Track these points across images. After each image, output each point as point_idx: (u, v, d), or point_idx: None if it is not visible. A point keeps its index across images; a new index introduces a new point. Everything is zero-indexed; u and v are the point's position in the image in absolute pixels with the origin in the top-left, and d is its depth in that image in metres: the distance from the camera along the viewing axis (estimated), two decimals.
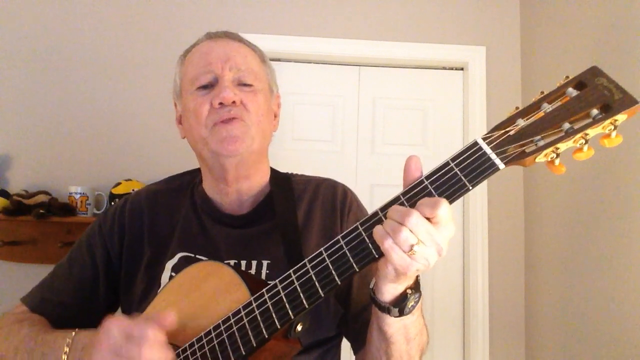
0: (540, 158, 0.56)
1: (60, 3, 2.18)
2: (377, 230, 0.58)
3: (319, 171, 2.27)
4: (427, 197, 0.58)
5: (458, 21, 2.27)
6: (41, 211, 1.85)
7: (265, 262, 0.82)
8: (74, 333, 0.71)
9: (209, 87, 0.82)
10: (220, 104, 0.79)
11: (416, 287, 0.64)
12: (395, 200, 0.61)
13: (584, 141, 0.54)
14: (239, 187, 0.86)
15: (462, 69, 2.31)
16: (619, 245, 1.51)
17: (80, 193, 1.95)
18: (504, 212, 2.16)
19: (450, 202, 0.57)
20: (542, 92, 0.58)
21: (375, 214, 0.61)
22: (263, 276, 0.81)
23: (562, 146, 0.55)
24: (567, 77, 0.57)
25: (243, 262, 0.82)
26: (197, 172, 0.94)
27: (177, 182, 0.96)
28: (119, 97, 2.16)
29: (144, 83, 2.17)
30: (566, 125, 0.54)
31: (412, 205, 0.58)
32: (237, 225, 0.86)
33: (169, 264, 0.83)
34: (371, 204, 2.39)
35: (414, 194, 0.60)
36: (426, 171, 0.60)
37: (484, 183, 2.18)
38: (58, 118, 2.13)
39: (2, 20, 2.16)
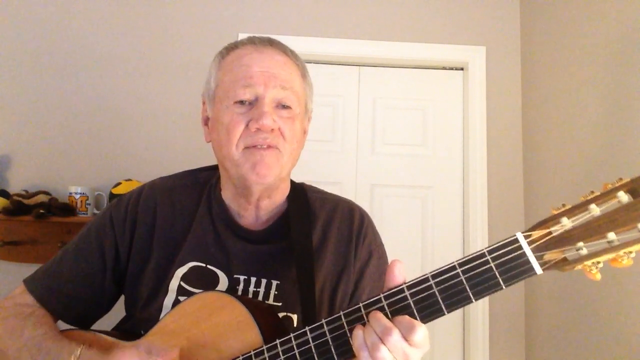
0: (579, 267, 0.55)
1: (60, 3, 2.18)
2: (357, 337, 0.59)
3: (319, 171, 2.28)
4: (457, 286, 0.57)
5: (458, 21, 2.27)
6: (41, 211, 1.85)
7: (274, 283, 0.81)
8: (79, 351, 0.72)
9: (246, 103, 0.78)
10: (258, 129, 0.76)
11: None
12: (399, 292, 0.60)
13: (626, 257, 0.53)
14: (259, 204, 0.84)
15: (462, 69, 2.31)
16: None
17: (80, 193, 1.94)
18: (503, 210, 2.16)
19: (480, 298, 0.57)
20: (592, 192, 0.55)
21: (376, 301, 0.60)
22: (271, 297, 0.80)
23: (604, 258, 0.54)
24: (621, 179, 0.54)
25: (253, 279, 0.81)
26: (215, 170, 0.91)
27: (193, 178, 0.91)
28: (119, 97, 2.16)
29: (144, 83, 2.17)
30: (612, 236, 0.53)
31: (416, 302, 0.58)
32: (252, 241, 0.84)
33: (179, 272, 0.81)
34: (371, 204, 2.40)
35: (444, 280, 0.58)
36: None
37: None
38: (58, 118, 2.13)
39: (2, 20, 2.16)
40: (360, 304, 0.61)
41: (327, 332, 0.62)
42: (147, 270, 0.83)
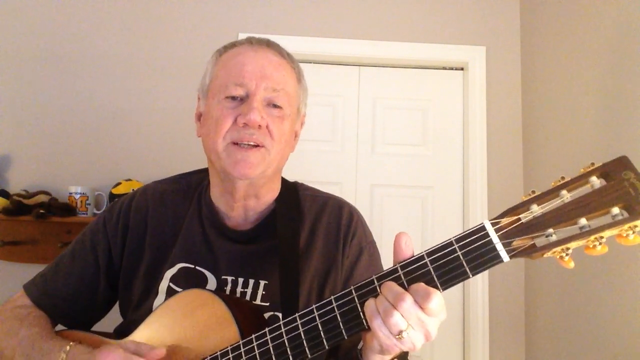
0: (548, 254, 0.53)
1: (60, 3, 2.18)
2: (369, 306, 0.57)
3: (319, 171, 2.28)
4: (424, 276, 0.56)
5: (458, 21, 2.27)
6: (41, 211, 1.85)
7: (262, 282, 0.81)
8: (68, 347, 0.73)
9: (237, 99, 0.78)
10: (245, 124, 0.76)
11: (403, 356, 0.64)
12: (392, 272, 0.58)
13: (598, 242, 0.50)
14: (246, 203, 0.84)
15: (462, 69, 2.31)
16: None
17: (80, 193, 1.94)
18: (503, 208, 2.16)
19: (448, 287, 0.56)
20: (562, 178, 0.53)
21: (371, 282, 0.59)
22: (259, 296, 0.81)
23: (574, 245, 0.51)
24: (593, 164, 0.51)
25: (240, 280, 0.82)
26: (206, 172, 0.92)
27: (184, 181, 0.93)
28: (119, 97, 2.16)
29: (144, 83, 2.17)
30: (582, 222, 0.50)
31: (410, 281, 0.57)
32: (239, 241, 0.84)
33: (168, 273, 0.82)
34: (371, 204, 2.39)
35: (412, 270, 0.57)
36: (429, 245, 0.58)
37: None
38: (58, 118, 2.13)
39: (2, 20, 2.16)
40: (374, 276, 0.59)
41: (335, 308, 0.60)
42: (139, 273, 0.85)
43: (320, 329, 0.61)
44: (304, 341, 0.61)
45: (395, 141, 2.26)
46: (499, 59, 2.26)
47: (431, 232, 2.20)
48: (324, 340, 0.60)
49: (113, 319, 0.90)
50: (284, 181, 0.92)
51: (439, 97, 2.30)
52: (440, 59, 2.27)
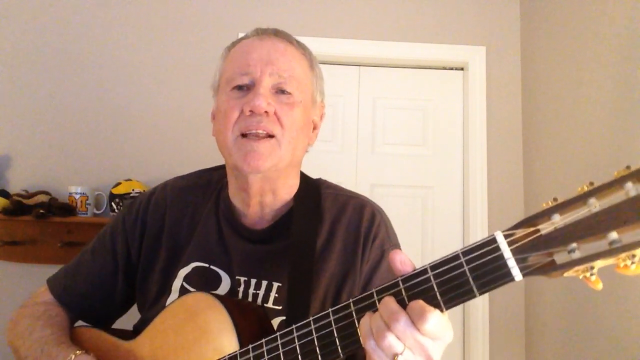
0: (570, 274, 0.46)
1: (61, 3, 2.18)
2: (363, 325, 0.53)
3: (319, 171, 2.27)
4: (427, 292, 0.51)
5: (458, 21, 2.27)
6: (41, 211, 1.85)
7: (275, 285, 0.78)
8: (73, 356, 0.73)
9: (244, 88, 0.76)
10: (251, 112, 0.73)
11: None
12: (393, 286, 0.53)
13: (630, 261, 0.42)
14: (262, 199, 0.81)
15: (462, 69, 2.31)
16: None
17: (80, 193, 1.95)
18: (503, 210, 2.16)
19: (452, 307, 0.50)
20: (591, 183, 0.45)
21: (370, 295, 0.55)
22: (271, 299, 0.77)
23: (601, 263, 0.44)
24: (629, 167, 0.43)
25: (253, 281, 0.79)
26: None
27: (205, 178, 0.90)
28: (119, 97, 2.16)
29: (144, 83, 2.17)
30: (613, 236, 0.42)
31: (411, 297, 0.51)
32: (254, 240, 0.81)
33: (182, 272, 0.81)
34: None
35: (413, 284, 0.52)
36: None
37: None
38: (58, 118, 2.13)
39: (2, 20, 2.16)
40: (373, 290, 0.55)
41: (332, 322, 0.56)
42: (155, 270, 0.84)
43: (316, 343, 0.57)
44: (299, 356, 0.58)
45: (395, 141, 2.26)
46: (499, 59, 2.26)
47: (431, 232, 2.20)
48: (319, 357, 0.57)
49: (134, 315, 0.90)
50: (306, 178, 0.88)
51: (439, 97, 2.30)
52: (440, 59, 2.27)
